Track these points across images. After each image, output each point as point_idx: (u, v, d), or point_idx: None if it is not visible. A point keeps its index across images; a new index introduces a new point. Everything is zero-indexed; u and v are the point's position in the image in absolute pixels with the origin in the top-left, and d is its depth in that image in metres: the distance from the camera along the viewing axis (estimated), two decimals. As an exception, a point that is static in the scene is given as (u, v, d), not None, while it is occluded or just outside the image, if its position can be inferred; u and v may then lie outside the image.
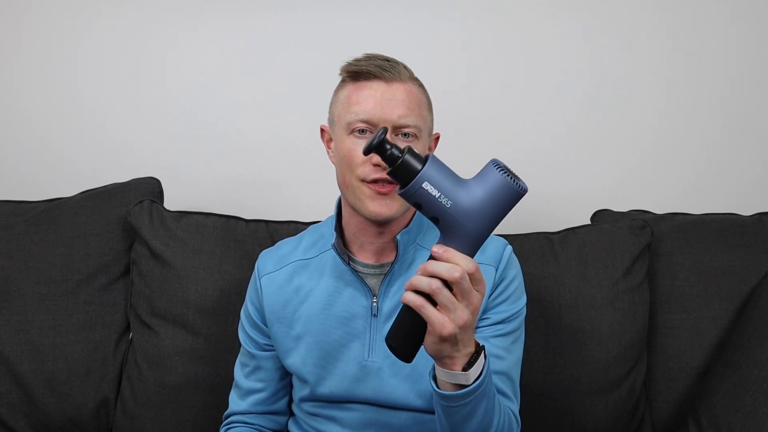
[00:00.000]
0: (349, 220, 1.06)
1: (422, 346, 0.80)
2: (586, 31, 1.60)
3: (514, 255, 1.08)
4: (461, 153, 1.50)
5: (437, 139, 1.11)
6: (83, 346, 1.31)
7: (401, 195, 0.76)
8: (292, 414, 1.16)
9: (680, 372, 1.31)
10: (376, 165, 0.96)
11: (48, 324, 1.30)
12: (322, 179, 1.51)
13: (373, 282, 1.05)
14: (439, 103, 1.11)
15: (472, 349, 0.81)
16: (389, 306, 1.03)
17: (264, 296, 1.10)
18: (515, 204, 0.75)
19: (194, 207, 1.56)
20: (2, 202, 1.42)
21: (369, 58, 1.00)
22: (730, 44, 1.60)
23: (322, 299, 1.06)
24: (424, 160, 0.75)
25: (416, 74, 1.04)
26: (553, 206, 1.59)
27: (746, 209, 1.50)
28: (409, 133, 0.99)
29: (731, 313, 1.31)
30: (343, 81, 1.04)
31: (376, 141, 0.74)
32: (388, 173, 0.76)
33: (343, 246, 1.06)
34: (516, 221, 1.37)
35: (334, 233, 1.04)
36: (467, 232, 0.75)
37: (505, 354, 1.01)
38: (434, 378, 0.84)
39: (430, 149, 1.08)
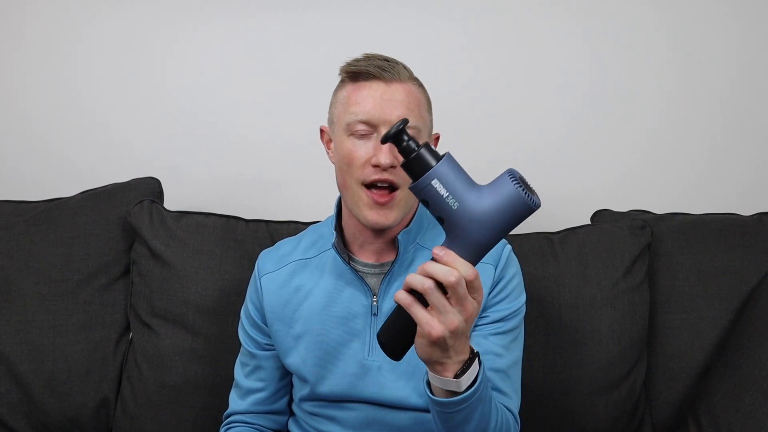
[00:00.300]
0: (348, 221, 1.06)
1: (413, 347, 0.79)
2: (586, 32, 1.60)
3: (513, 254, 1.08)
4: (461, 153, 1.50)
5: (437, 139, 1.11)
6: (83, 346, 1.31)
7: (411, 189, 0.75)
8: (292, 414, 1.16)
9: (680, 372, 1.31)
10: (375, 166, 0.96)
11: (48, 324, 1.30)
12: (322, 179, 1.51)
13: (373, 281, 1.05)
14: (439, 103, 1.11)
15: (465, 356, 0.79)
16: (389, 305, 1.03)
17: (264, 296, 1.10)
18: (525, 218, 0.73)
19: (194, 207, 1.56)
20: (2, 202, 1.42)
21: (368, 58, 1.00)
22: (730, 44, 1.60)
23: (322, 298, 1.06)
24: (439, 158, 0.74)
25: (416, 74, 1.04)
26: (553, 206, 1.59)
27: (746, 209, 1.50)
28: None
29: (731, 313, 1.31)
30: (342, 81, 1.04)
31: (394, 131, 0.74)
32: (402, 165, 0.75)
33: (343, 245, 1.06)
34: (516, 221, 1.37)
35: (334, 233, 1.04)
36: (471, 238, 0.73)
37: (504, 352, 1.01)
38: (428, 382, 0.83)
39: None
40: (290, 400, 1.15)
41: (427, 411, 1.01)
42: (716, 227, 1.39)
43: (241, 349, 1.15)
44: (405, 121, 0.75)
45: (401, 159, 0.77)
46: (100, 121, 1.61)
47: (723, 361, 1.25)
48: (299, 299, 1.07)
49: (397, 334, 0.78)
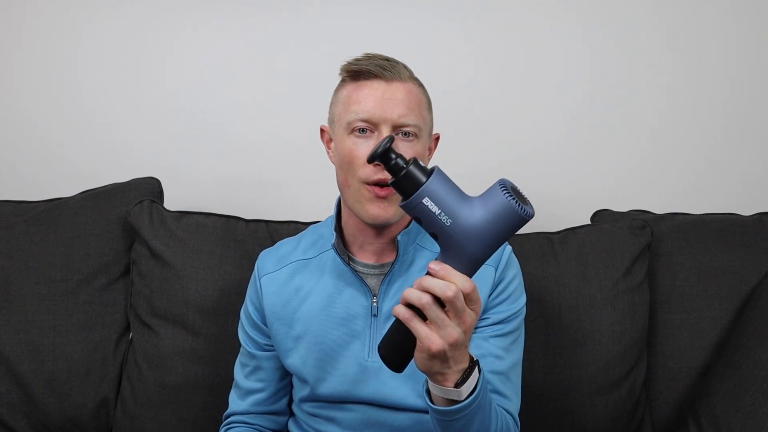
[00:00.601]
0: (348, 221, 1.06)
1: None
2: (586, 32, 1.60)
3: (513, 255, 1.08)
4: (461, 153, 1.51)
5: (437, 139, 1.10)
6: (83, 346, 1.31)
7: (402, 207, 0.74)
8: (292, 414, 1.16)
9: (680, 372, 1.31)
10: (377, 165, 0.96)
11: (48, 324, 1.30)
12: (322, 179, 1.51)
13: (373, 282, 1.05)
14: (439, 103, 1.11)
15: (465, 365, 0.79)
16: (389, 306, 1.03)
17: (264, 296, 1.10)
18: (518, 228, 0.72)
19: (194, 207, 1.56)
20: (2, 202, 1.42)
21: (369, 57, 1.00)
22: (730, 44, 1.60)
23: (322, 299, 1.05)
24: (428, 173, 0.72)
25: (416, 74, 1.04)
26: (553, 206, 1.59)
27: (746, 209, 1.50)
28: (408, 132, 0.99)
29: (731, 313, 1.31)
30: (343, 81, 1.04)
31: (381, 149, 0.72)
32: (391, 183, 0.74)
33: (343, 246, 1.06)
34: (516, 221, 1.37)
35: (334, 233, 1.04)
36: (466, 252, 0.72)
37: (504, 354, 1.01)
38: (427, 391, 0.83)
39: (431, 149, 1.08)
40: (290, 401, 1.15)
41: (426, 412, 1.01)
42: (716, 227, 1.39)
43: (241, 350, 1.15)
44: (391, 139, 0.74)
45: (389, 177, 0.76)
46: (100, 121, 1.61)
47: (723, 361, 1.25)
48: (299, 300, 1.07)
49: (397, 348, 0.78)
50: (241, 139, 1.61)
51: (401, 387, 1.02)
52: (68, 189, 1.50)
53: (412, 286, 1.01)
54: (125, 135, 1.61)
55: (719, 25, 1.60)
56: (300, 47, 1.60)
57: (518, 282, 1.07)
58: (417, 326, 0.74)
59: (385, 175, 0.95)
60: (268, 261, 1.13)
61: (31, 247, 1.34)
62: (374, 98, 0.98)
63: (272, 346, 1.11)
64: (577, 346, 1.27)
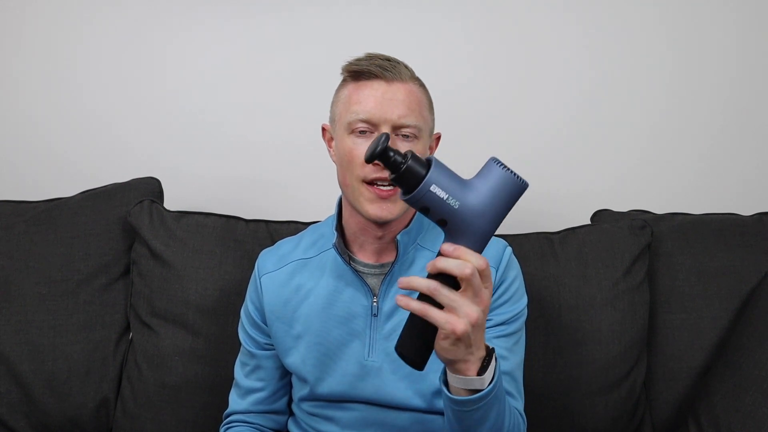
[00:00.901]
0: (349, 220, 1.06)
1: (434, 352, 0.79)
2: (586, 32, 1.60)
3: (513, 256, 1.08)
4: (461, 153, 1.50)
5: (438, 138, 1.11)
6: (83, 346, 1.31)
7: (406, 201, 0.74)
8: (291, 414, 1.16)
9: (680, 372, 1.31)
10: (376, 164, 0.96)
11: (48, 324, 1.30)
12: (322, 179, 1.51)
13: (373, 282, 1.05)
14: (439, 103, 1.11)
15: (483, 352, 0.80)
16: (389, 306, 1.03)
17: (264, 295, 1.10)
18: (518, 199, 0.75)
19: (194, 207, 1.56)
20: (2, 202, 1.42)
21: (370, 57, 1.00)
22: (730, 44, 1.60)
23: (322, 298, 1.06)
24: (427, 164, 0.74)
25: (416, 74, 1.04)
26: (553, 206, 1.59)
27: (746, 209, 1.50)
28: (409, 134, 0.99)
29: (731, 313, 1.31)
30: (344, 80, 1.04)
31: (379, 149, 0.73)
32: (392, 180, 0.75)
33: (343, 245, 1.06)
34: (516, 221, 1.37)
35: (335, 232, 1.04)
36: (475, 231, 0.74)
37: (508, 354, 1.02)
38: (445, 383, 0.83)
39: (432, 149, 1.08)
40: (290, 400, 1.15)
41: (426, 411, 1.02)
42: (716, 227, 1.39)
43: (241, 349, 1.16)
44: (387, 137, 0.75)
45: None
46: (100, 121, 1.61)
47: (723, 361, 1.25)
48: (299, 299, 1.07)
49: (416, 344, 0.78)
50: (241, 139, 1.61)
51: (401, 387, 1.02)
52: (68, 189, 1.50)
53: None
54: (125, 135, 1.61)
55: (719, 25, 1.60)
56: (300, 47, 1.60)
57: (519, 282, 1.07)
58: (435, 314, 0.74)
59: (384, 173, 0.96)
60: (268, 260, 1.13)
61: (31, 247, 1.34)
62: (375, 99, 0.98)
63: (272, 345, 1.11)
64: (577, 346, 1.27)
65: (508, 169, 0.74)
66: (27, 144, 1.62)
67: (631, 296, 1.30)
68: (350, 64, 1.01)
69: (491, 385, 0.80)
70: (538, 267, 1.30)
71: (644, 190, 1.61)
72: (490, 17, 1.59)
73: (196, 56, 1.61)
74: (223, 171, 1.61)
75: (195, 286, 1.29)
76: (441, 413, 1.03)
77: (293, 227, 1.37)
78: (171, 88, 1.61)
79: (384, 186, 0.97)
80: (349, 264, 1.03)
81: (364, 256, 1.06)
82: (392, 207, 0.98)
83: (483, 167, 0.76)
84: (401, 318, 1.02)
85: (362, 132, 0.98)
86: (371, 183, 0.98)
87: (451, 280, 0.75)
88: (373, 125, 0.98)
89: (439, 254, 0.75)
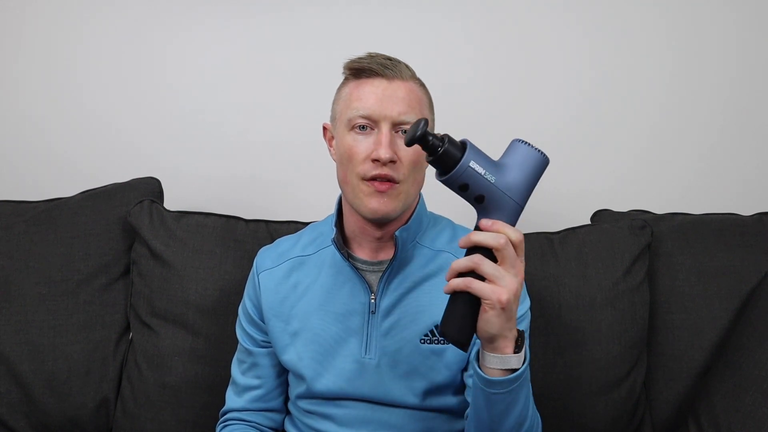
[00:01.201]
0: (348, 218, 1.06)
1: (474, 334, 0.81)
2: (586, 31, 1.60)
3: None
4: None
5: None
6: (83, 346, 1.31)
7: (444, 181, 0.78)
8: (288, 412, 1.16)
9: (680, 372, 1.31)
10: (375, 161, 0.96)
11: (48, 324, 1.30)
12: (322, 179, 1.51)
13: (371, 279, 1.05)
14: (439, 103, 1.12)
15: (516, 332, 0.82)
16: (387, 303, 1.03)
17: (262, 292, 1.10)
18: (543, 173, 0.81)
19: (194, 207, 1.56)
20: (2, 202, 1.42)
21: (371, 56, 1.01)
22: (730, 44, 1.60)
23: (320, 295, 1.06)
24: (462, 144, 0.79)
25: (417, 74, 1.04)
26: (553, 206, 1.59)
27: (746, 209, 1.50)
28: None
29: (731, 313, 1.31)
30: (345, 79, 1.04)
31: (419, 133, 0.77)
32: (430, 162, 0.78)
33: (342, 242, 1.06)
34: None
35: (334, 229, 1.04)
36: (510, 204, 0.79)
37: None
38: (478, 367, 0.85)
39: None
40: (287, 399, 1.15)
41: (422, 409, 1.02)
42: (716, 227, 1.38)
43: (239, 346, 1.16)
44: (426, 121, 0.78)
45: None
46: (100, 121, 1.61)
47: (723, 361, 1.25)
48: (297, 296, 1.07)
49: (460, 324, 0.80)
50: (241, 139, 1.61)
51: (397, 384, 1.02)
52: (68, 189, 1.50)
53: (410, 283, 1.02)
54: (125, 135, 1.61)
55: (719, 25, 1.60)
56: (300, 47, 1.60)
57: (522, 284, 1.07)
58: (479, 285, 0.77)
59: (384, 171, 0.96)
60: (267, 257, 1.13)
61: (31, 247, 1.34)
62: (375, 96, 0.98)
63: (269, 342, 1.11)
64: (577, 346, 1.27)
65: (532, 145, 0.80)
66: (27, 144, 1.62)
67: (631, 296, 1.30)
68: (351, 61, 1.02)
69: (525, 363, 0.83)
70: (538, 267, 1.30)
71: (644, 190, 1.61)
72: (490, 17, 1.59)
73: (196, 56, 1.61)
74: (223, 171, 1.62)
75: (195, 286, 1.29)
76: (438, 411, 1.04)
77: (293, 227, 1.37)
78: (171, 88, 1.61)
79: (383, 182, 0.97)
80: (348, 260, 1.03)
81: (363, 254, 1.06)
82: (389, 201, 0.98)
83: (508, 147, 0.81)
84: (399, 315, 1.02)
85: (362, 128, 0.98)
86: (371, 180, 0.98)
87: (488, 254, 0.78)
88: (373, 122, 0.98)
89: (476, 229, 0.79)
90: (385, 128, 0.97)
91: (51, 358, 1.29)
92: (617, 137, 1.61)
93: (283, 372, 1.13)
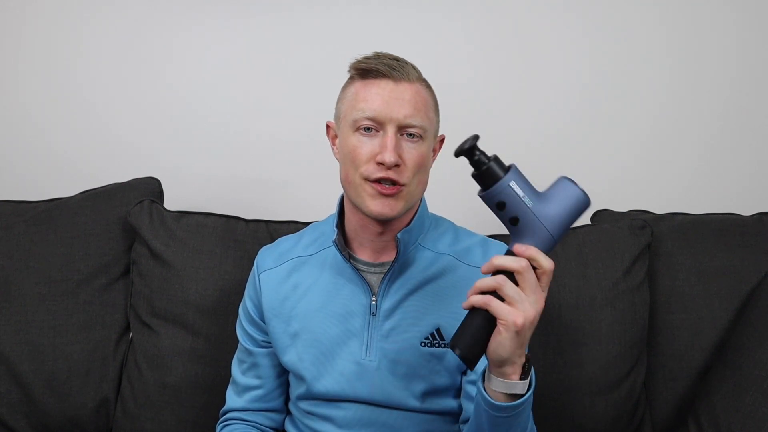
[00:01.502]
0: (350, 218, 1.06)
1: (484, 355, 0.82)
2: (585, 31, 1.60)
3: None
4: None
5: (442, 141, 1.10)
6: (83, 346, 1.31)
7: (483, 196, 0.80)
8: (289, 413, 1.15)
9: (680, 372, 1.31)
10: (380, 164, 0.96)
11: (48, 324, 1.30)
12: (322, 179, 1.51)
13: (373, 280, 1.05)
14: (439, 103, 1.11)
15: (524, 358, 0.83)
16: (388, 304, 1.03)
17: (262, 292, 1.10)
18: (582, 214, 0.81)
19: (194, 207, 1.56)
20: (2, 202, 1.42)
21: (378, 56, 1.00)
22: (730, 44, 1.60)
23: (321, 296, 1.06)
24: (507, 168, 0.80)
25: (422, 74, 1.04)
26: (553, 206, 1.59)
27: (746, 209, 1.50)
28: (414, 134, 0.98)
29: (731, 313, 1.31)
30: (351, 78, 1.03)
31: (467, 146, 0.79)
32: (473, 176, 0.80)
33: (343, 243, 1.06)
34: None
35: (336, 230, 1.04)
36: (544, 234, 0.79)
37: None
38: (484, 390, 0.85)
39: (435, 151, 1.08)
40: (287, 399, 1.15)
41: (422, 411, 1.02)
42: (716, 227, 1.38)
43: (239, 346, 1.16)
44: (476, 137, 0.79)
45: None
46: (100, 121, 1.61)
47: (723, 361, 1.25)
48: (297, 296, 1.07)
49: (471, 341, 0.81)
50: (241, 138, 1.61)
51: (398, 386, 1.02)
52: (68, 189, 1.50)
53: (411, 285, 1.02)
54: (125, 135, 1.61)
55: (719, 25, 1.60)
56: (300, 47, 1.60)
57: None
58: (498, 305, 0.78)
59: (388, 173, 0.96)
60: (267, 257, 1.13)
61: (31, 247, 1.34)
62: (381, 97, 0.97)
63: (269, 342, 1.11)
64: (577, 346, 1.27)
65: (577, 184, 0.80)
66: (27, 144, 1.62)
67: (631, 296, 1.30)
68: (358, 61, 1.01)
69: (530, 390, 0.84)
70: (538, 267, 1.30)
71: (644, 190, 1.61)
72: (490, 17, 1.59)
73: (196, 56, 1.61)
74: (223, 171, 1.62)
75: (195, 286, 1.29)
76: (437, 413, 1.03)
77: (293, 227, 1.37)
78: (171, 88, 1.61)
79: (387, 184, 0.97)
80: (349, 261, 1.03)
81: (364, 255, 1.06)
82: (394, 204, 0.97)
83: (553, 183, 0.82)
84: (400, 317, 1.02)
85: (367, 130, 0.98)
86: (374, 181, 0.97)
87: (513, 278, 0.79)
88: (378, 124, 0.97)
89: (509, 253, 0.80)
90: (390, 131, 0.96)
91: (51, 358, 1.29)
92: (617, 137, 1.61)
93: (283, 372, 1.13)
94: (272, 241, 1.31)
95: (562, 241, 1.34)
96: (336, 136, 1.05)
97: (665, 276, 1.35)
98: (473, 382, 1.01)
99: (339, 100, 1.04)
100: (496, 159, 0.80)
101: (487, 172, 0.80)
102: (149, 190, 1.42)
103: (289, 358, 1.07)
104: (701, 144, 1.62)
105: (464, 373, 1.03)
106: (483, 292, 0.79)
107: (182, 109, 1.61)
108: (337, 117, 1.05)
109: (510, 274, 0.79)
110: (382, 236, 1.03)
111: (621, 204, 1.51)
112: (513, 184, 0.79)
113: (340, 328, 1.04)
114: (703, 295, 1.33)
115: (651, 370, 1.33)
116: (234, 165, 1.61)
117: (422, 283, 1.03)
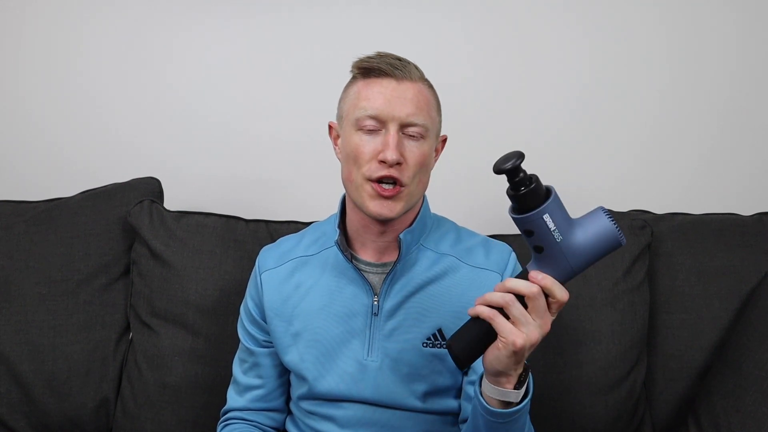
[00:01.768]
0: (352, 218, 1.06)
1: (480, 359, 0.84)
2: (585, 31, 1.60)
3: (518, 261, 1.08)
4: (460, 153, 1.51)
5: (445, 141, 1.10)
6: (83, 346, 1.31)
7: (515, 219, 0.78)
8: (290, 412, 1.15)
9: (680, 372, 1.31)
10: (382, 162, 0.96)
11: (48, 324, 1.30)
12: (322, 179, 1.51)
13: (374, 280, 1.05)
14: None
15: (520, 370, 0.84)
16: (390, 305, 1.03)
17: (264, 292, 1.10)
18: (612, 252, 0.79)
19: (194, 207, 1.56)
20: (2, 202, 1.42)
21: (381, 56, 1.00)
22: (730, 44, 1.60)
23: (323, 296, 1.06)
24: (547, 193, 0.78)
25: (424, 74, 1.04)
26: (553, 206, 1.59)
27: (746, 209, 1.50)
28: (416, 133, 0.98)
29: (731, 313, 1.31)
30: (353, 77, 1.03)
31: (511, 165, 0.75)
32: (511, 196, 0.78)
33: (345, 243, 1.06)
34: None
35: (337, 230, 1.04)
36: (566, 267, 0.78)
37: None
38: (480, 393, 0.87)
39: (437, 151, 1.08)
40: (289, 399, 1.15)
41: (423, 411, 1.02)
42: (716, 227, 1.39)
43: (240, 346, 1.16)
44: (521, 156, 0.77)
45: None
46: (100, 121, 1.61)
47: (723, 361, 1.25)
48: (299, 296, 1.07)
49: (469, 347, 0.82)
50: (241, 138, 1.61)
51: (399, 386, 1.02)
52: (68, 189, 1.50)
53: (414, 286, 1.02)
54: (125, 135, 1.61)
55: (719, 25, 1.60)
56: (300, 47, 1.60)
57: None
58: (501, 322, 0.79)
59: (390, 172, 0.96)
60: (269, 257, 1.13)
61: (31, 247, 1.34)
62: (383, 96, 0.97)
63: (271, 342, 1.11)
64: (577, 346, 1.27)
65: (614, 221, 0.77)
66: (27, 144, 1.62)
67: (631, 296, 1.30)
68: (361, 60, 1.01)
69: (526, 399, 0.85)
70: (538, 267, 1.30)
71: (644, 190, 1.61)
72: (490, 17, 1.59)
73: (196, 56, 1.61)
74: (223, 171, 1.61)
75: (195, 286, 1.29)
76: (438, 413, 1.04)
77: (293, 227, 1.37)
78: (171, 88, 1.61)
79: (387, 185, 0.97)
80: (351, 261, 1.03)
81: (366, 255, 1.06)
82: (393, 205, 0.98)
83: (591, 212, 0.80)
84: (402, 318, 1.02)
85: (370, 129, 0.98)
86: (376, 181, 0.97)
87: (522, 300, 0.79)
88: (380, 122, 0.97)
89: (524, 276, 0.80)
90: (392, 129, 0.96)
91: (51, 358, 1.29)
92: (617, 137, 1.61)
93: (284, 372, 1.13)
94: (272, 241, 1.31)
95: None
96: (338, 137, 1.05)
97: (665, 276, 1.35)
98: (473, 383, 1.01)
99: (341, 99, 1.04)
100: (536, 183, 0.77)
101: (523, 198, 0.77)
102: (149, 190, 1.42)
103: (291, 358, 1.07)
104: (701, 144, 1.62)
105: (465, 373, 1.03)
106: (491, 305, 0.80)
107: (182, 109, 1.61)
108: (339, 116, 1.05)
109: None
110: (384, 236, 1.03)
111: (621, 204, 1.51)
112: (546, 218, 0.76)
113: (342, 328, 1.04)
114: (703, 295, 1.33)
115: (651, 370, 1.33)
116: (234, 165, 1.61)
117: (424, 283, 1.03)
